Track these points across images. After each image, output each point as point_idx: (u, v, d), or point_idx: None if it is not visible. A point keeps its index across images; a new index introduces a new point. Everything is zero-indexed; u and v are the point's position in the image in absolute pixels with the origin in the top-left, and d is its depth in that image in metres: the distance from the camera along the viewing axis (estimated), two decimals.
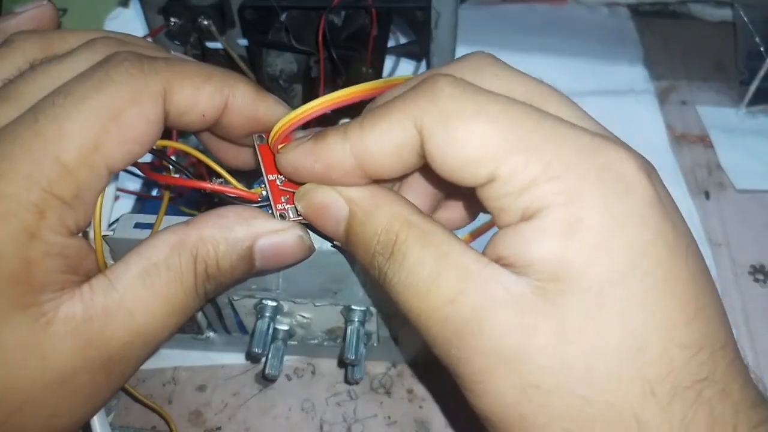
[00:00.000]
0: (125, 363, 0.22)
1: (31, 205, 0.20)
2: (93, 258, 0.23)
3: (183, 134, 0.32)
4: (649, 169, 0.19)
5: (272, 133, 0.24)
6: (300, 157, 0.22)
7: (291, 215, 0.24)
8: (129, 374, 0.23)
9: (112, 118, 0.21)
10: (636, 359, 0.18)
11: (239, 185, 0.26)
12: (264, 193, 0.25)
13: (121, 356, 0.21)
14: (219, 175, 0.26)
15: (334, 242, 0.25)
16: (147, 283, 0.21)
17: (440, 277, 0.20)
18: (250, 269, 0.23)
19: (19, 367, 0.20)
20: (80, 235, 0.22)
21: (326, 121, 0.30)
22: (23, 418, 0.20)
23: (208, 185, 0.25)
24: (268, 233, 0.23)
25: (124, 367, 0.22)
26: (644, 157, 0.20)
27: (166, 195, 0.29)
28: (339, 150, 0.21)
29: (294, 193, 0.24)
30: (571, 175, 0.18)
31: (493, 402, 0.19)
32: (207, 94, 0.23)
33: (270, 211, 0.24)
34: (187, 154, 0.39)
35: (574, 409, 0.18)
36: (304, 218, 0.24)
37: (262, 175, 0.25)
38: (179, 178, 0.26)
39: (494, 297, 0.19)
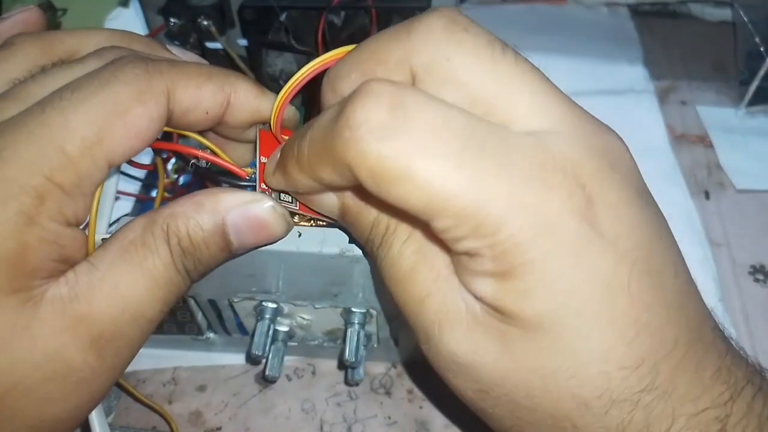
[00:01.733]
0: (117, 341, 0.22)
1: (31, 190, 0.20)
2: (85, 252, 0.23)
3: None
4: (586, 199, 0.18)
5: (272, 115, 0.25)
6: (281, 185, 0.23)
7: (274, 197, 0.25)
8: (123, 358, 0.23)
9: (117, 115, 0.21)
10: (570, 382, 0.19)
11: (229, 159, 0.26)
12: (254, 175, 0.25)
13: (112, 332, 0.22)
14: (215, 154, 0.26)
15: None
16: (126, 260, 0.22)
17: (414, 273, 0.21)
18: (227, 245, 0.24)
19: (8, 350, 0.20)
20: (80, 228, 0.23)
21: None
22: (13, 403, 0.21)
23: (199, 152, 0.26)
24: (238, 205, 0.23)
25: (116, 347, 0.22)
26: (591, 171, 0.19)
27: (159, 162, 0.30)
28: (304, 180, 0.22)
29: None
30: (503, 233, 0.18)
31: (459, 394, 0.22)
32: (209, 92, 0.24)
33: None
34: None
35: (519, 412, 0.21)
36: (291, 203, 0.24)
37: (255, 158, 0.25)
38: (168, 142, 0.26)
39: (454, 308, 0.20)
